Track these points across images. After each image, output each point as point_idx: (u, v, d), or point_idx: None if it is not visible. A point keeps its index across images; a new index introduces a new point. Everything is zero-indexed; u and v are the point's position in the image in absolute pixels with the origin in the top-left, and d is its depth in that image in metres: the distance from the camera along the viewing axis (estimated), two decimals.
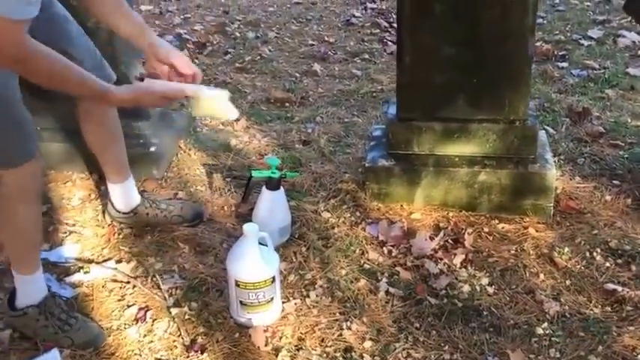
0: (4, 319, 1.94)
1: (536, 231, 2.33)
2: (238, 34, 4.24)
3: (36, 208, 1.90)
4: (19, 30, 1.39)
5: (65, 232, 2.35)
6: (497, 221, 2.39)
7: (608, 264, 2.17)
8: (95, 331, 1.91)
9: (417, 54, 2.29)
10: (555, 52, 3.89)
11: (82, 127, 2.18)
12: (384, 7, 4.77)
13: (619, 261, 2.18)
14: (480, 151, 2.40)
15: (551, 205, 2.38)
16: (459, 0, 2.17)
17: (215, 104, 1.79)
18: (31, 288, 1.88)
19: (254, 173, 2.29)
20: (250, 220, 2.29)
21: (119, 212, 2.32)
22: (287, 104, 3.35)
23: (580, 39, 4.13)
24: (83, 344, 1.86)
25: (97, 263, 2.20)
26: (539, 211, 2.39)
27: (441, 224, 2.38)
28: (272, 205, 2.25)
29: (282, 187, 2.27)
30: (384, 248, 2.27)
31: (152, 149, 2.60)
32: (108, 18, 1.83)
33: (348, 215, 2.43)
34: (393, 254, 2.25)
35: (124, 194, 2.30)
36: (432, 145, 2.42)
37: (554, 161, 2.51)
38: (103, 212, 2.42)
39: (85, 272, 2.15)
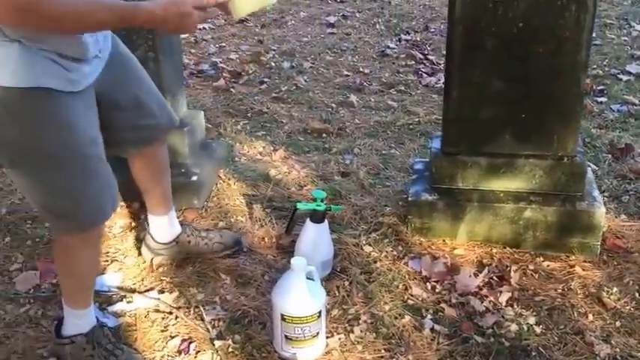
0: (49, 347, 1.93)
1: (583, 270, 2.28)
2: (273, 64, 4.26)
3: (97, 252, 1.91)
4: None
5: (107, 261, 2.35)
6: (542, 259, 2.34)
7: None
8: None
9: (465, 88, 2.27)
10: (594, 87, 3.86)
11: (131, 164, 2.12)
12: (418, 38, 4.77)
13: None
14: (526, 187, 2.37)
15: (599, 243, 2.34)
16: (511, 35, 2.16)
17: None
18: (81, 320, 1.87)
19: (299, 205, 2.28)
20: (292, 252, 2.28)
21: (159, 243, 2.29)
22: (324, 135, 3.35)
23: (618, 74, 4.10)
24: None
25: (140, 293, 2.19)
26: (586, 249, 2.34)
27: (485, 261, 2.34)
28: (316, 238, 2.23)
29: (326, 221, 2.26)
30: (428, 284, 2.24)
31: (193, 179, 2.60)
32: None
33: (390, 249, 2.40)
34: (437, 290, 2.21)
35: (167, 225, 2.28)
36: (477, 180, 2.39)
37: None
38: (139, 249, 2.38)
39: (128, 302, 2.14)
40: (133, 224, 2.54)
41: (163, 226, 2.27)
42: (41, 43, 1.48)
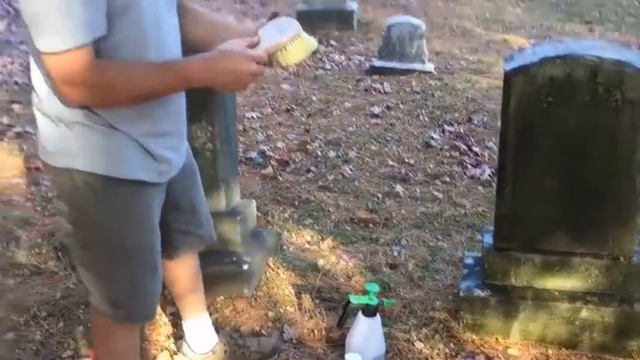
0: None
1: None
2: (320, 153, 4.34)
3: (136, 334, 1.91)
4: (84, 55, 1.39)
5: (157, 349, 2.34)
6: None
7: None
8: None
9: (519, 185, 2.29)
10: None
11: (167, 269, 2.02)
12: (461, 130, 4.83)
13: None
14: (581, 287, 2.33)
15: None
16: (565, 135, 2.18)
17: (297, 46, 1.66)
18: None
19: (352, 299, 2.27)
20: (342, 346, 2.26)
21: (197, 353, 2.24)
22: (371, 225, 3.36)
23: None
24: None
25: None
26: None
27: None
28: (368, 333, 2.20)
29: (378, 315, 2.23)
30: None
31: (244, 267, 2.61)
32: (204, 35, 1.77)
33: (442, 346, 2.35)
34: None
35: (202, 331, 2.24)
36: (531, 277, 2.36)
37: None
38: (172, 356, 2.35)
39: None
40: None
41: (200, 334, 2.24)
42: (134, 127, 1.54)
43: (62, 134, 1.53)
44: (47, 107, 1.54)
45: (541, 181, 2.26)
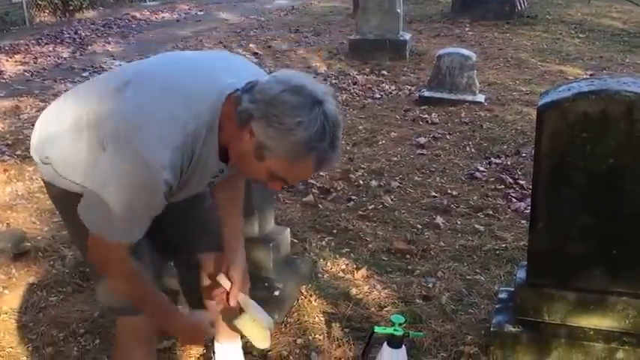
0: None
1: None
2: (362, 182, 4.35)
3: (151, 349, 1.98)
4: (123, 248, 1.63)
5: None
6: None
7: None
8: None
9: (552, 221, 2.24)
10: None
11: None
12: (509, 162, 4.76)
13: None
14: (618, 326, 2.25)
15: None
16: (600, 171, 2.14)
17: (253, 330, 2.01)
18: None
19: (377, 329, 2.25)
20: None
21: None
22: (408, 256, 3.34)
23: None
24: None
25: None
26: None
27: None
28: None
29: (404, 346, 2.21)
30: None
31: (276, 293, 2.64)
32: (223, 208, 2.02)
33: None
34: None
35: (233, 356, 2.27)
36: (565, 315, 2.30)
37: None
38: None
39: None
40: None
41: (229, 357, 2.26)
42: None
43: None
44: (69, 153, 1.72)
45: (575, 218, 2.21)
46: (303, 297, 2.85)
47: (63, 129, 1.69)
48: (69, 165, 1.69)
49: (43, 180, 1.84)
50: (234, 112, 1.54)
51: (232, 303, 1.94)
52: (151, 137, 1.50)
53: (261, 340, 2.03)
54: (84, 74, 7.86)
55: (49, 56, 9.01)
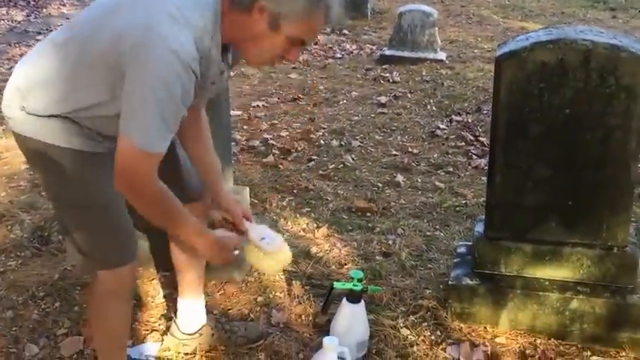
0: None
1: None
2: (323, 142, 4.32)
3: (127, 307, 1.96)
4: (153, 162, 1.60)
5: (147, 330, 2.36)
6: (589, 353, 2.23)
7: None
8: None
9: (509, 174, 2.25)
10: None
11: (171, 245, 2.18)
12: (469, 120, 4.78)
13: None
14: (572, 277, 2.29)
15: None
16: (557, 122, 2.14)
17: (273, 261, 1.94)
18: None
19: (336, 285, 2.25)
20: (328, 331, 2.24)
21: (184, 334, 2.25)
22: (368, 214, 3.34)
23: None
24: None
25: None
26: (637, 345, 2.23)
27: (528, 351, 2.24)
28: (352, 319, 2.19)
29: (362, 301, 2.22)
30: None
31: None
32: (191, 147, 2.02)
33: (428, 334, 2.33)
34: None
35: (193, 312, 2.25)
36: (521, 266, 2.33)
37: None
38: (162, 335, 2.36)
39: None
40: (175, 295, 2.55)
41: (190, 315, 2.25)
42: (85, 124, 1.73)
43: (43, 119, 1.71)
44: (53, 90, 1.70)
45: (532, 170, 2.22)
46: None
47: (52, 69, 1.69)
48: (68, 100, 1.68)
49: (18, 136, 1.77)
50: (231, 3, 1.59)
51: (243, 228, 1.99)
52: (170, 34, 1.51)
53: (267, 269, 2.01)
54: (38, 37, 7.59)
55: (3, 20, 8.69)
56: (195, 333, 2.25)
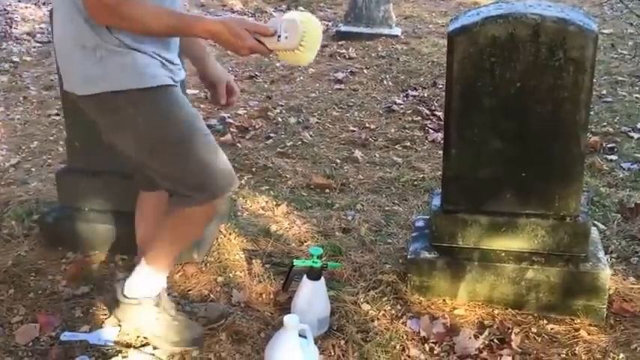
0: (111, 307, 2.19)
1: (588, 334, 2.22)
2: (280, 119, 4.30)
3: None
4: None
5: (105, 314, 2.32)
6: (546, 321, 2.28)
7: None
8: None
9: (464, 147, 2.27)
10: (603, 145, 3.82)
11: (136, 217, 2.22)
12: (425, 94, 4.81)
13: None
14: (527, 247, 2.33)
15: (604, 306, 2.28)
16: (508, 95, 2.16)
17: (301, 56, 1.77)
18: (155, 284, 2.13)
19: (296, 262, 2.25)
20: (289, 309, 2.25)
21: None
22: (327, 190, 3.34)
23: (629, 131, 4.06)
24: None
25: (135, 348, 2.16)
26: (591, 312, 2.28)
27: (486, 322, 2.28)
28: (312, 296, 2.20)
29: (323, 278, 2.23)
30: (426, 345, 2.18)
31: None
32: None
33: (389, 308, 2.35)
34: (435, 352, 2.16)
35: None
36: (478, 238, 2.36)
37: (607, 260, 2.41)
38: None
39: (124, 357, 2.11)
40: None
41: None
42: (148, 49, 1.78)
43: (91, 63, 1.75)
44: (71, 38, 1.77)
45: (486, 143, 2.25)
46: (222, 236, 2.81)
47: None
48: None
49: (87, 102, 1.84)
50: None
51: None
52: None
53: (305, 60, 1.80)
54: None
55: None
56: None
